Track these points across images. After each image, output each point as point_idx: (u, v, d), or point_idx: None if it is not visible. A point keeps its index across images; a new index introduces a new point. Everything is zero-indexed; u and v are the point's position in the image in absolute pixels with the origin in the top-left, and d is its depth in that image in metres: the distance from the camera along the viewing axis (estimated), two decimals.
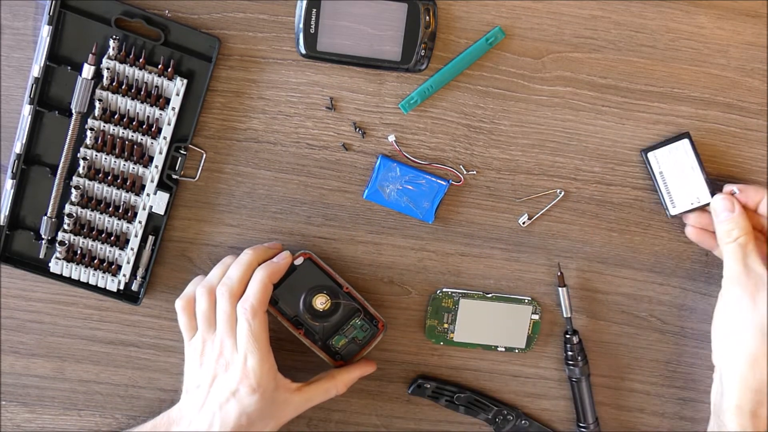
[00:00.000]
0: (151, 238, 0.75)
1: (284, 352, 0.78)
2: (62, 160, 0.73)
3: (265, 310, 0.71)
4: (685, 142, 0.75)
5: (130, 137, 0.73)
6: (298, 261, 0.74)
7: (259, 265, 0.73)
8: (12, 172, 0.73)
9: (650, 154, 0.76)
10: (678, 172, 0.76)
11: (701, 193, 0.76)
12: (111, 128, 0.72)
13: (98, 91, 0.71)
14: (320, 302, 0.75)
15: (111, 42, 0.70)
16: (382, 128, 0.76)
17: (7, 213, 0.74)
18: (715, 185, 0.76)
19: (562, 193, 0.78)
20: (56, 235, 0.74)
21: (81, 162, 0.72)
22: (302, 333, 0.76)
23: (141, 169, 0.73)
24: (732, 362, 0.73)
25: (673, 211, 0.77)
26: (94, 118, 0.72)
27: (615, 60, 0.75)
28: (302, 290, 0.75)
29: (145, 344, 0.79)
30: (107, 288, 0.76)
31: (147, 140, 0.73)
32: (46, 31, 0.70)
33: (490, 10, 0.74)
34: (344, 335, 0.76)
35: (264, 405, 0.70)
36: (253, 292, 0.71)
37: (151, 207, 0.74)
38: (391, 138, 0.73)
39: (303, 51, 0.72)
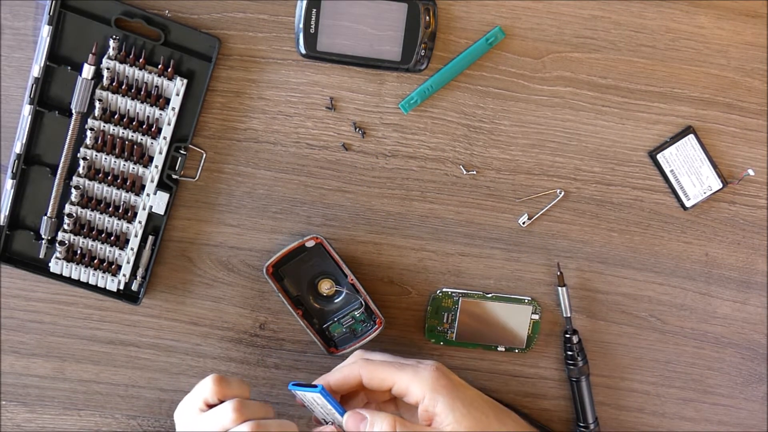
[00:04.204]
0: (151, 238, 0.75)
1: (284, 352, 0.78)
2: (62, 160, 0.73)
3: None
4: (691, 137, 0.76)
5: (130, 137, 0.73)
6: (310, 244, 0.75)
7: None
8: (12, 172, 0.73)
9: (659, 156, 0.76)
10: (688, 167, 0.76)
11: (712, 182, 0.76)
12: (111, 128, 0.72)
13: (98, 91, 0.71)
14: (326, 287, 0.76)
15: (111, 42, 0.70)
16: (382, 128, 0.76)
17: (7, 213, 0.74)
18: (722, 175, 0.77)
19: (562, 193, 0.78)
20: (56, 235, 0.74)
21: (81, 162, 0.72)
22: (301, 314, 0.76)
23: (141, 169, 0.73)
24: None
25: (688, 204, 0.77)
26: (94, 118, 0.72)
27: (615, 60, 0.75)
28: (309, 272, 0.76)
29: (145, 344, 0.79)
30: (107, 288, 0.76)
31: (147, 140, 0.73)
32: (46, 31, 0.70)
33: (490, 10, 0.74)
34: (341, 324, 0.77)
35: None
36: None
37: (151, 207, 0.74)
38: None
39: (303, 51, 0.72)
